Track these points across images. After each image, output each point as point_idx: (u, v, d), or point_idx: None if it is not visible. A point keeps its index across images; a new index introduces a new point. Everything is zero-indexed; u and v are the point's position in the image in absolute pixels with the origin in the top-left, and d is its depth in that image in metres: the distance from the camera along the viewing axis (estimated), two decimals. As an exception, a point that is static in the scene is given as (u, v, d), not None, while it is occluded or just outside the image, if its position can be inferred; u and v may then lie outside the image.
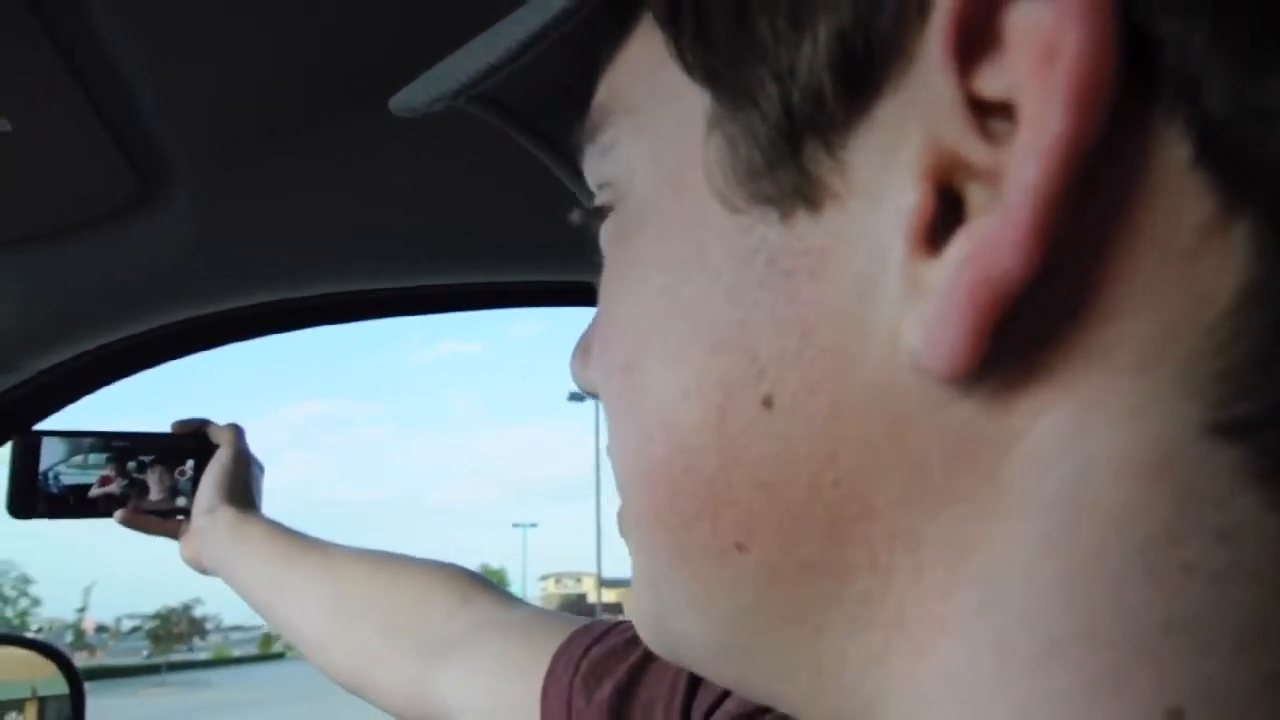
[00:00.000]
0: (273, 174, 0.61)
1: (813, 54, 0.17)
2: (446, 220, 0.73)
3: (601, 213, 0.25)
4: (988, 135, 0.16)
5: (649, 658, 0.43)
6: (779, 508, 0.19)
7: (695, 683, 0.40)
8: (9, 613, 36.45)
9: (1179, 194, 0.15)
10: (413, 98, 0.27)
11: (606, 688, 0.43)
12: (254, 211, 0.65)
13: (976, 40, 0.16)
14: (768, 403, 0.19)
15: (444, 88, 0.25)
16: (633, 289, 0.22)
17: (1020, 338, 0.16)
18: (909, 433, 0.17)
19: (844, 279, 0.18)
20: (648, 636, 0.24)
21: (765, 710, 0.32)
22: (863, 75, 0.17)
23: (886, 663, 0.19)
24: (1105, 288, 0.16)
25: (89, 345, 0.73)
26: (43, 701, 0.83)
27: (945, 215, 0.16)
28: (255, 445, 0.79)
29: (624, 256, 0.23)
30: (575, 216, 0.31)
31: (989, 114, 0.16)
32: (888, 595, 0.18)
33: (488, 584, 0.59)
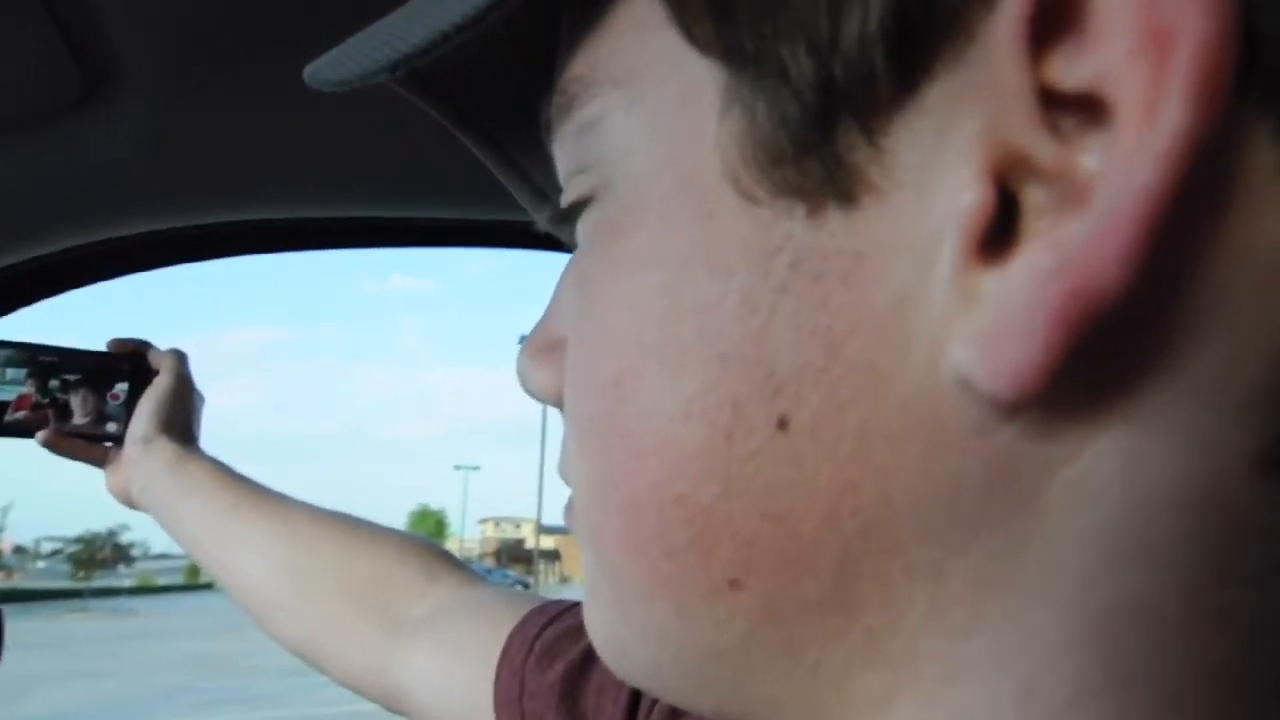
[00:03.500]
0: (225, 83, 0.58)
1: (863, 24, 0.15)
2: (405, 150, 0.71)
3: (573, 212, 0.21)
4: (1055, 132, 0.14)
5: None
6: (785, 542, 0.17)
7: None
8: (-78, 530, 35.18)
9: (1263, 202, 0.14)
10: (339, 68, 0.22)
11: (559, 668, 0.42)
12: (204, 122, 0.62)
13: (1053, 21, 0.14)
14: (782, 424, 0.17)
15: (381, 56, 0.20)
16: (626, 292, 0.19)
17: (1082, 357, 0.14)
18: (943, 459, 0.16)
19: (882, 285, 0.16)
20: (607, 658, 0.22)
21: None
22: (918, 52, 0.15)
23: (890, 707, 0.17)
24: (1178, 303, 0.14)
25: (27, 254, 0.70)
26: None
27: (1000, 217, 0.15)
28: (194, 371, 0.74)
29: (613, 252, 0.20)
30: (541, 221, 0.27)
31: (1055, 107, 0.14)
32: (897, 633, 0.17)
33: (454, 561, 0.57)
